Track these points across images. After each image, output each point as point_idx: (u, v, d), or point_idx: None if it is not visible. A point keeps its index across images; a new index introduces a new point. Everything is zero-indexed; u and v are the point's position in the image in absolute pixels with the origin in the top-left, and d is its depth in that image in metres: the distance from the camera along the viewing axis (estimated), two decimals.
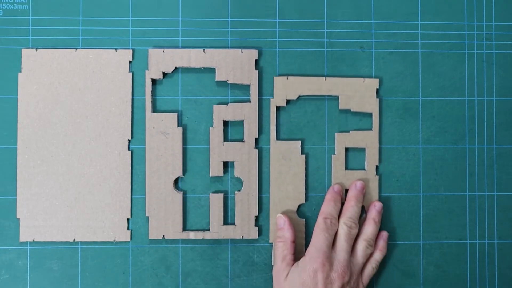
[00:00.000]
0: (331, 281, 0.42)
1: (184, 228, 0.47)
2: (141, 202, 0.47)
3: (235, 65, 0.47)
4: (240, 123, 0.47)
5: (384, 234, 0.47)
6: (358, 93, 0.47)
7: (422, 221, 0.48)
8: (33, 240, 0.46)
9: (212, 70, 0.47)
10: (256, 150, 0.47)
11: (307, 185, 0.47)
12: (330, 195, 0.46)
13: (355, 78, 0.47)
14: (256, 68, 0.47)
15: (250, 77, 0.47)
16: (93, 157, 0.46)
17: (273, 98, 0.47)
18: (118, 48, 0.47)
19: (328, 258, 0.43)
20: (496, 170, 0.49)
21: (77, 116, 0.46)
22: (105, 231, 0.46)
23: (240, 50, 0.47)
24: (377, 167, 0.48)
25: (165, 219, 0.46)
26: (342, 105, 0.47)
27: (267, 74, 0.48)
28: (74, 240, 0.46)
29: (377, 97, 0.48)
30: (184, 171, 0.47)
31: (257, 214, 0.47)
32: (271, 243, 0.47)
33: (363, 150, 0.48)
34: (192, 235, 0.46)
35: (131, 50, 0.47)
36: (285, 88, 0.47)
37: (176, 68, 0.47)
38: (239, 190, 0.47)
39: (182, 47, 0.47)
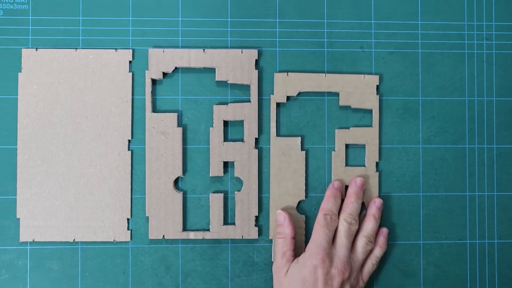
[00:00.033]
0: (331, 277, 0.42)
1: (184, 228, 0.47)
2: (141, 202, 0.47)
3: (235, 65, 0.47)
4: (240, 123, 0.47)
5: (384, 230, 0.47)
6: (358, 90, 0.47)
7: (422, 221, 0.48)
8: (33, 240, 0.46)
9: (212, 70, 0.47)
10: (256, 150, 0.47)
11: (307, 184, 0.47)
12: (330, 192, 0.46)
13: (355, 74, 0.48)
14: (256, 68, 0.47)
15: (250, 77, 0.47)
16: (93, 157, 0.46)
17: (273, 94, 0.47)
18: (118, 48, 0.47)
19: (328, 255, 0.43)
20: (496, 170, 0.49)
21: (77, 116, 0.46)
22: (105, 231, 0.46)
23: (240, 50, 0.47)
24: (377, 163, 0.48)
25: (165, 219, 0.46)
26: (342, 102, 0.47)
27: (267, 74, 0.48)
28: (74, 240, 0.46)
29: (377, 94, 0.48)
30: (184, 171, 0.47)
31: (257, 214, 0.47)
32: (271, 243, 0.47)
33: (363, 146, 0.48)
34: (192, 235, 0.46)
35: (131, 50, 0.47)
36: (285, 85, 0.47)
37: (176, 68, 0.47)
38: (239, 190, 0.47)
39: (182, 47, 0.47)
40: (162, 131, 0.46)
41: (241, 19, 0.48)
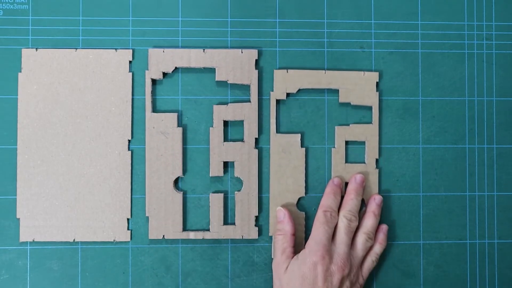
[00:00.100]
0: (331, 274, 0.42)
1: (184, 228, 0.47)
2: (141, 202, 0.47)
3: (235, 65, 0.47)
4: (240, 123, 0.47)
5: (384, 227, 0.47)
6: (358, 86, 0.47)
7: (422, 221, 0.48)
8: (33, 240, 0.46)
9: (212, 70, 0.47)
10: (256, 150, 0.47)
11: (307, 182, 0.47)
12: (330, 188, 0.46)
13: (355, 71, 0.48)
14: (256, 68, 0.47)
15: (250, 77, 0.47)
16: (93, 157, 0.46)
17: (273, 91, 0.47)
18: (118, 48, 0.47)
19: (328, 251, 0.43)
20: (496, 170, 0.49)
21: (77, 116, 0.46)
22: (105, 231, 0.46)
23: (240, 50, 0.47)
24: (377, 160, 0.48)
25: (165, 219, 0.46)
26: (342, 98, 0.47)
27: (267, 74, 0.48)
28: (74, 240, 0.46)
29: (376, 91, 0.48)
30: (184, 171, 0.47)
31: (257, 214, 0.47)
32: (271, 243, 0.47)
33: (363, 143, 0.48)
34: (192, 235, 0.46)
35: (131, 50, 0.47)
36: (285, 81, 0.47)
37: (176, 68, 0.47)
38: (239, 190, 0.47)
39: (182, 47, 0.47)
40: (162, 131, 0.46)
41: (241, 19, 0.48)
